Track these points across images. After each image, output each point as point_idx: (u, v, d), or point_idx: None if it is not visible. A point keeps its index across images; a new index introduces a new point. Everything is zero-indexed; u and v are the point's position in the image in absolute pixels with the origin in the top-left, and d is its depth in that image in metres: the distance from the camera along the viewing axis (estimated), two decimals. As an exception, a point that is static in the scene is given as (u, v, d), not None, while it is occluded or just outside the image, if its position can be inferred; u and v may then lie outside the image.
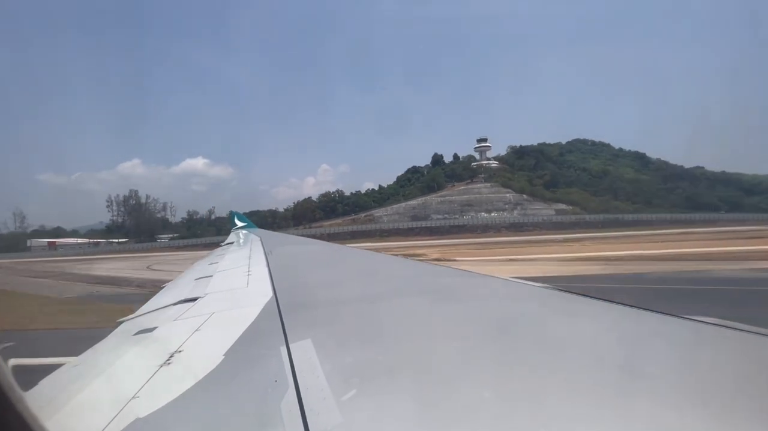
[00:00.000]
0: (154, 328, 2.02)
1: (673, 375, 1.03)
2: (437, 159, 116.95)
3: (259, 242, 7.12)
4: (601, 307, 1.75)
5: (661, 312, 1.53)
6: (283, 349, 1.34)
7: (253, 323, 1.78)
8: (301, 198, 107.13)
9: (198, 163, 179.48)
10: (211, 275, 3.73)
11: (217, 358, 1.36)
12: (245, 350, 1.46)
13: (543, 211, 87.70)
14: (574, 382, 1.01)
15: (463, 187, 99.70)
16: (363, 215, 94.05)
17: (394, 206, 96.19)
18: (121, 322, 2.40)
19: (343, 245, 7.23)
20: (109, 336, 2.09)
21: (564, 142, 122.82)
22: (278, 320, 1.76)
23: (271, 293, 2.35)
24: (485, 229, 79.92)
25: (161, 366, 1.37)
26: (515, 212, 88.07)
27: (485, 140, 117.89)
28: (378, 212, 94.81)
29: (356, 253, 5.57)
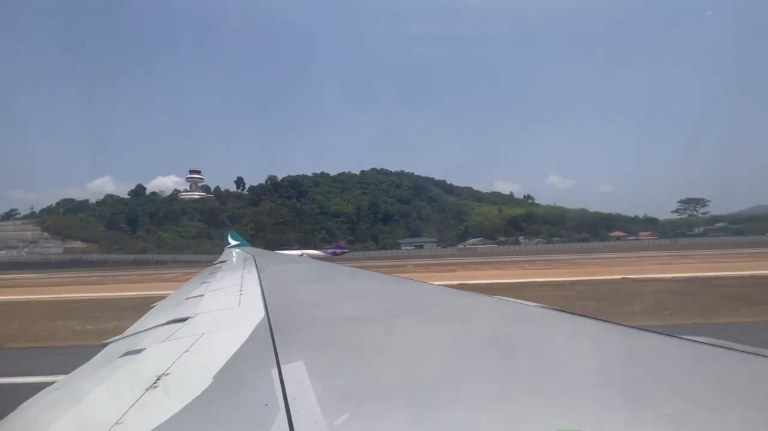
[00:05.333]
0: (141, 349, 1.95)
1: (666, 394, 1.01)
2: (139, 191, 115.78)
3: (252, 261, 7.05)
4: (596, 327, 1.74)
5: (654, 331, 1.52)
6: (275, 371, 1.30)
7: (243, 344, 1.74)
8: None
9: (168, 181, 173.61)
10: (202, 295, 3.66)
11: (206, 381, 1.31)
12: (235, 372, 1.41)
13: (52, 249, 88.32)
14: (571, 404, 0.98)
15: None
16: None
17: None
18: (107, 343, 2.33)
19: (339, 265, 7.20)
20: (94, 358, 2.02)
21: (359, 171, 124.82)
22: (270, 341, 1.71)
23: (263, 313, 2.30)
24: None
25: (147, 390, 1.31)
26: (25, 250, 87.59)
27: (198, 172, 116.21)
28: None
29: (352, 272, 5.52)
